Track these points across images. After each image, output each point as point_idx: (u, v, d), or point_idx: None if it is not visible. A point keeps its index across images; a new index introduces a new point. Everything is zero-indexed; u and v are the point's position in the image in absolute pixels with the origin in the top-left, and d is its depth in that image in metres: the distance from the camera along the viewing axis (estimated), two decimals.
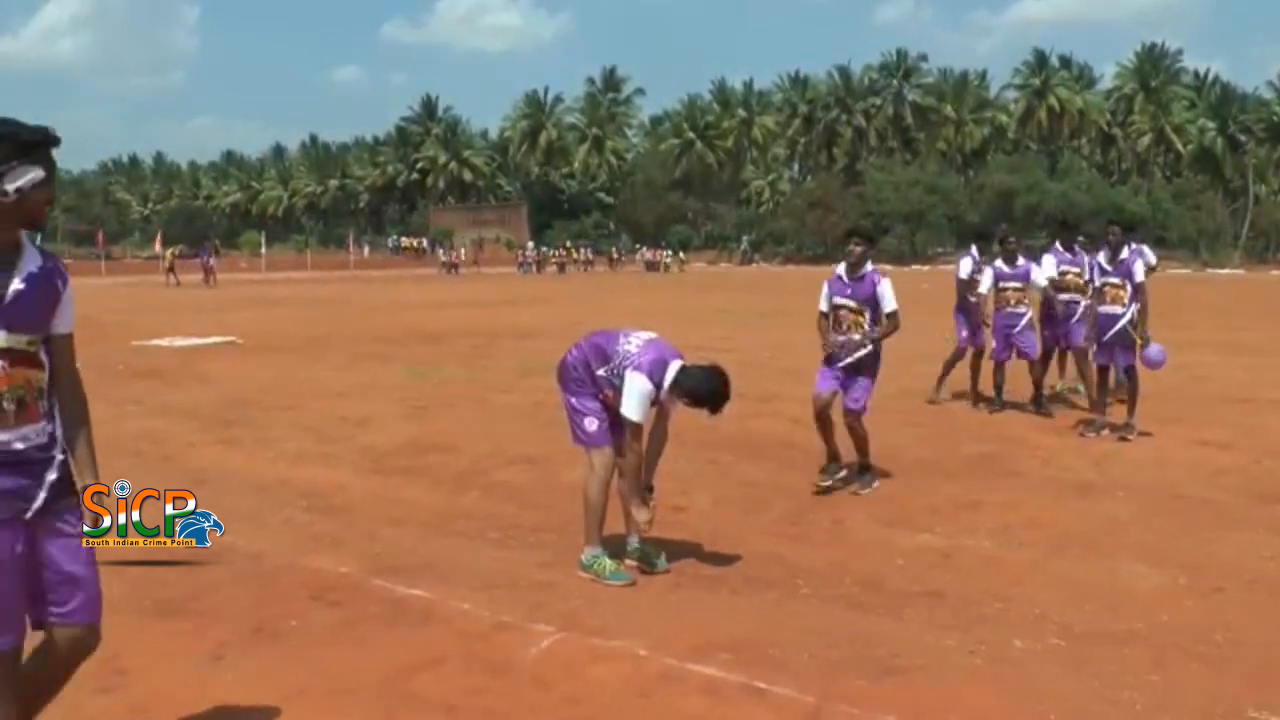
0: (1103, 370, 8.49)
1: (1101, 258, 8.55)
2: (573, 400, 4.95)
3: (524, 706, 3.58)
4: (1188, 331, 16.11)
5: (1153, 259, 9.55)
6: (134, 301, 28.56)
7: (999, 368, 9.67)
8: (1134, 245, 9.32)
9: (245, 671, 3.83)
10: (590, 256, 64.69)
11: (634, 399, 4.68)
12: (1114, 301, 8.34)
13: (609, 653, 4.00)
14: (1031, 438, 8.37)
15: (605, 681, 3.76)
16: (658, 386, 4.71)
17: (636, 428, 4.77)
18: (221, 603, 4.56)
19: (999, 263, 9.79)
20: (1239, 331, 18.39)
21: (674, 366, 4.76)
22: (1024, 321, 9.58)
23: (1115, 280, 8.37)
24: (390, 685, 3.72)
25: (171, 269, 40.44)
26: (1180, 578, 4.89)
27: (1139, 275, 8.33)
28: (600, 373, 4.86)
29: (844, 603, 4.57)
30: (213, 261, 42.66)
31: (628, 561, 4.96)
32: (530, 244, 67.86)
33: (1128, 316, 8.25)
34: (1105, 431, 8.26)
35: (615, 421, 4.86)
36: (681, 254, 66.83)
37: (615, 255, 68.69)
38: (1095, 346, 8.52)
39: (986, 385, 9.73)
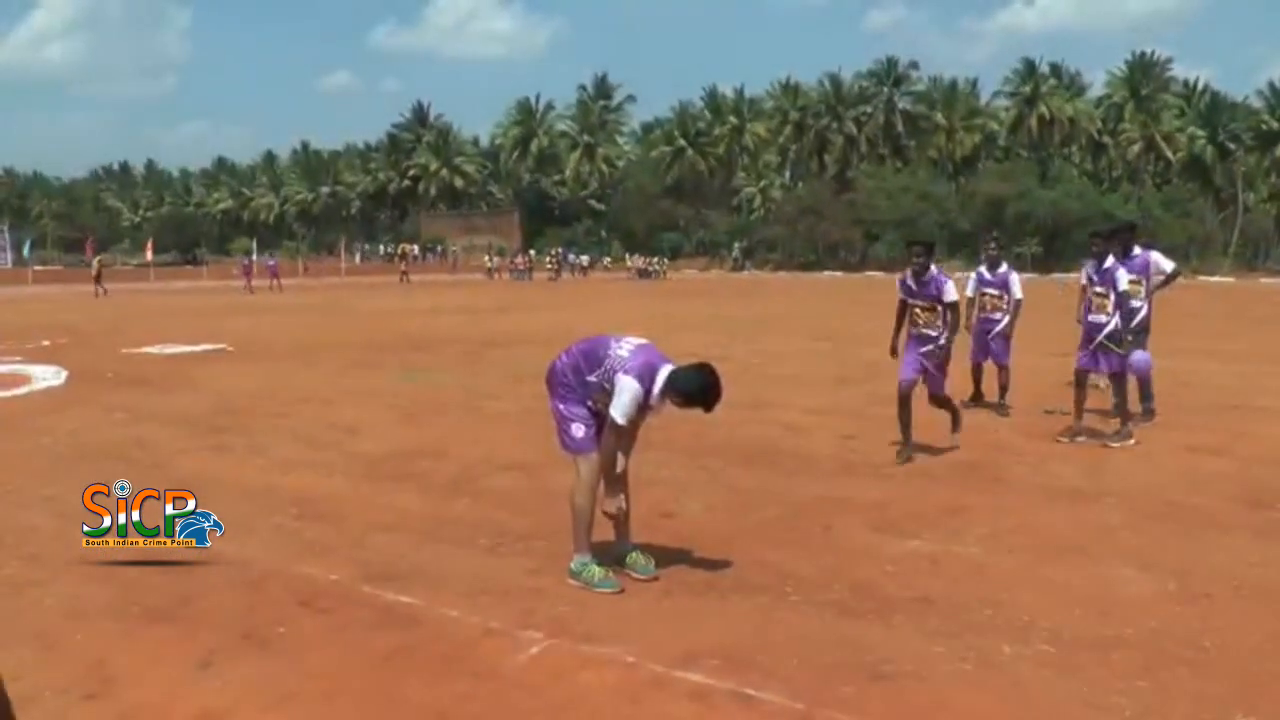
0: (1081, 376, 8.63)
1: (1088, 267, 8.77)
2: (560, 406, 4.95)
3: (512, 713, 3.57)
4: (1177, 338, 16.17)
5: (1166, 265, 9.63)
6: (123, 309, 28.49)
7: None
8: (1142, 250, 9.61)
9: (233, 678, 3.81)
10: (557, 264, 63.27)
11: (623, 401, 4.69)
12: (1099, 310, 8.53)
13: (598, 659, 3.99)
14: (1020, 444, 8.38)
15: (594, 688, 3.76)
16: (648, 392, 4.72)
17: (619, 428, 4.78)
18: (210, 609, 4.55)
19: (983, 269, 10.27)
20: (1229, 338, 18.47)
21: (664, 372, 4.76)
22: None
23: (1099, 289, 8.54)
24: (379, 692, 3.71)
25: (98, 278, 37.25)
26: (1169, 583, 4.90)
27: (1121, 284, 8.47)
28: (591, 378, 4.86)
29: (833, 609, 4.57)
30: (273, 262, 42.99)
31: (616, 568, 4.95)
32: (532, 251, 68.24)
33: (1111, 325, 8.39)
34: (1082, 438, 8.33)
35: (603, 429, 4.86)
36: (665, 260, 66.92)
37: (586, 262, 68.24)
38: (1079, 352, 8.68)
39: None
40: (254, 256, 51.07)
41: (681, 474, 7.05)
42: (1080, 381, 8.62)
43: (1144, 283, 9.39)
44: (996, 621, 4.40)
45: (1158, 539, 5.66)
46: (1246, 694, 3.69)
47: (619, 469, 4.96)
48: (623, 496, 4.96)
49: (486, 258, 63.53)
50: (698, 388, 4.72)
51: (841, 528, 5.90)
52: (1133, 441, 8.22)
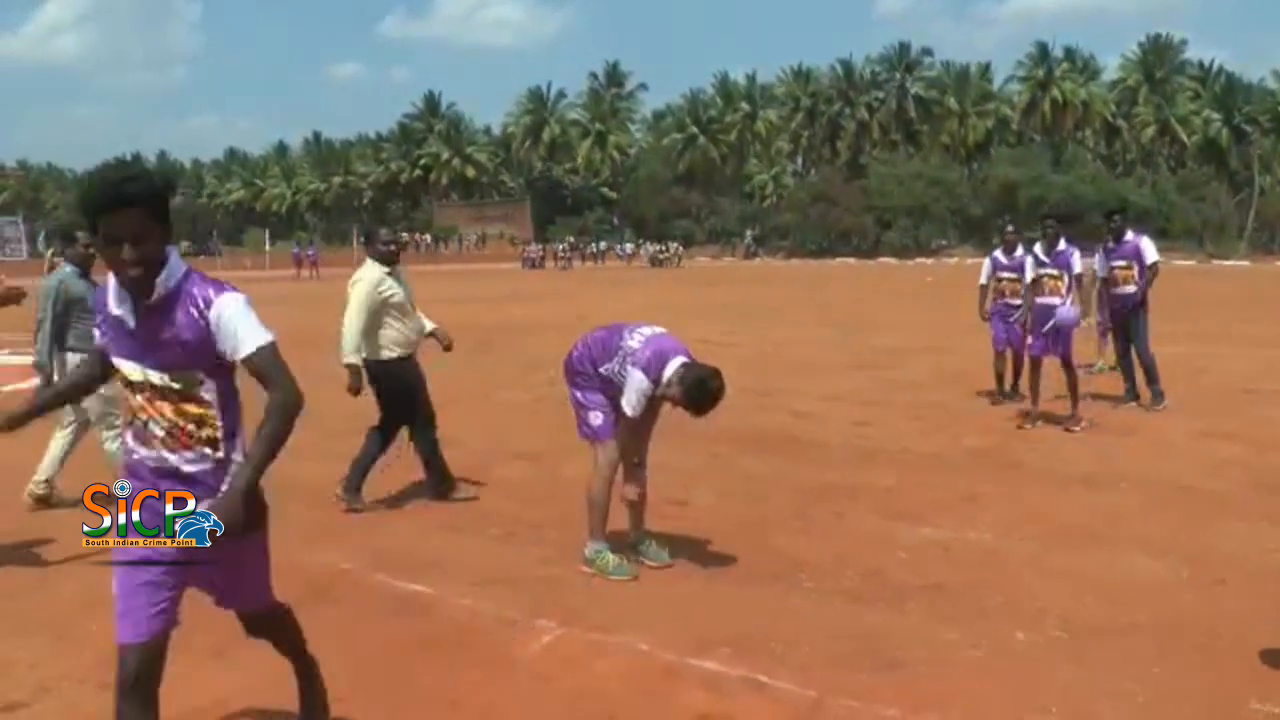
0: (1036, 362, 8.55)
1: (1039, 249, 8.74)
2: (578, 394, 4.96)
3: (526, 701, 3.58)
4: (1192, 323, 16.09)
5: (1150, 255, 9.42)
6: None
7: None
8: (1134, 235, 9.56)
9: (247, 668, 3.83)
10: (567, 252, 63.05)
11: (632, 394, 4.71)
12: (1051, 293, 8.51)
13: (611, 648, 4.00)
14: (1032, 430, 8.35)
15: (607, 676, 3.77)
16: (655, 383, 4.71)
17: (631, 421, 4.79)
18: None
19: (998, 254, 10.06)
20: (1243, 323, 18.34)
21: (674, 363, 4.75)
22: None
23: (1052, 272, 8.53)
24: (392, 680, 3.73)
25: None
26: (1182, 570, 4.88)
27: (1076, 268, 8.49)
28: (603, 369, 4.86)
29: (846, 596, 4.57)
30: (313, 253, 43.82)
31: (630, 556, 4.96)
32: (557, 243, 68.61)
33: (1062, 310, 8.40)
34: (1040, 423, 8.36)
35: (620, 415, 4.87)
36: (680, 247, 66.86)
37: (597, 250, 68.46)
38: (1030, 339, 8.67)
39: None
40: (276, 245, 51.54)
41: (693, 461, 7.05)
42: (1035, 367, 8.55)
43: (1134, 267, 9.33)
44: (1009, 608, 4.39)
45: (1171, 525, 5.64)
46: (1260, 680, 3.68)
47: (638, 459, 4.98)
48: (642, 483, 4.99)
49: (528, 248, 64.52)
50: (699, 387, 4.65)
51: (853, 515, 5.90)
52: (1085, 423, 8.25)
